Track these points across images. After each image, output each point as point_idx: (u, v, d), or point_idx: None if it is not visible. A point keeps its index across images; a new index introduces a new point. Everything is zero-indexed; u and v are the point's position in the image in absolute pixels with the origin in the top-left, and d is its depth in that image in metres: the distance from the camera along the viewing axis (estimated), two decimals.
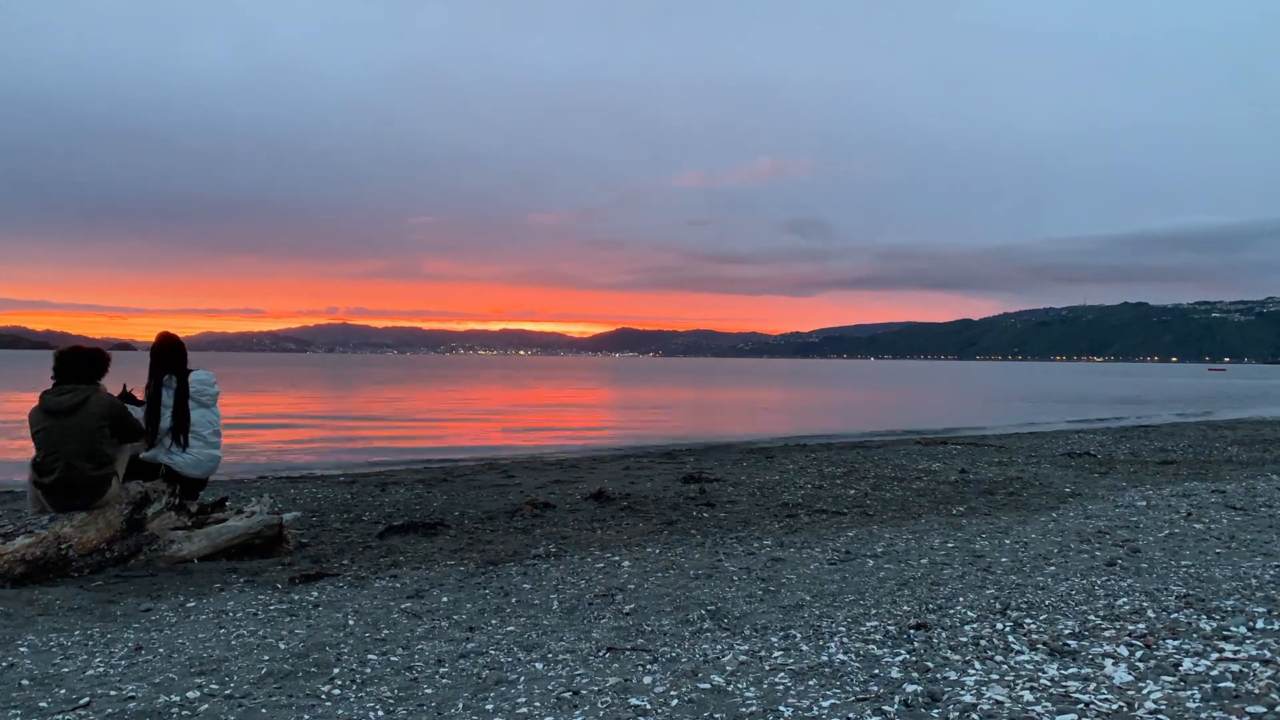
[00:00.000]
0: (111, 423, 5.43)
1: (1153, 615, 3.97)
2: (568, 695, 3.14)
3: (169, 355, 6.03)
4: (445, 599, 4.68)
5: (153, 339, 6.16)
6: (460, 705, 3.10)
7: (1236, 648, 3.46)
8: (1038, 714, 2.84)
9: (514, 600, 4.63)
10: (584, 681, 3.29)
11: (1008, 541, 5.92)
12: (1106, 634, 3.69)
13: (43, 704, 3.17)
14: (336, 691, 3.27)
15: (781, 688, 3.16)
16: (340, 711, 3.07)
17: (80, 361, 5.45)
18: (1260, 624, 3.78)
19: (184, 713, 3.07)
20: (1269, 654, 3.37)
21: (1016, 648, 3.54)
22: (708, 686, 3.19)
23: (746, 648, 3.65)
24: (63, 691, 3.29)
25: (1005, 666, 3.32)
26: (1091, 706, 2.89)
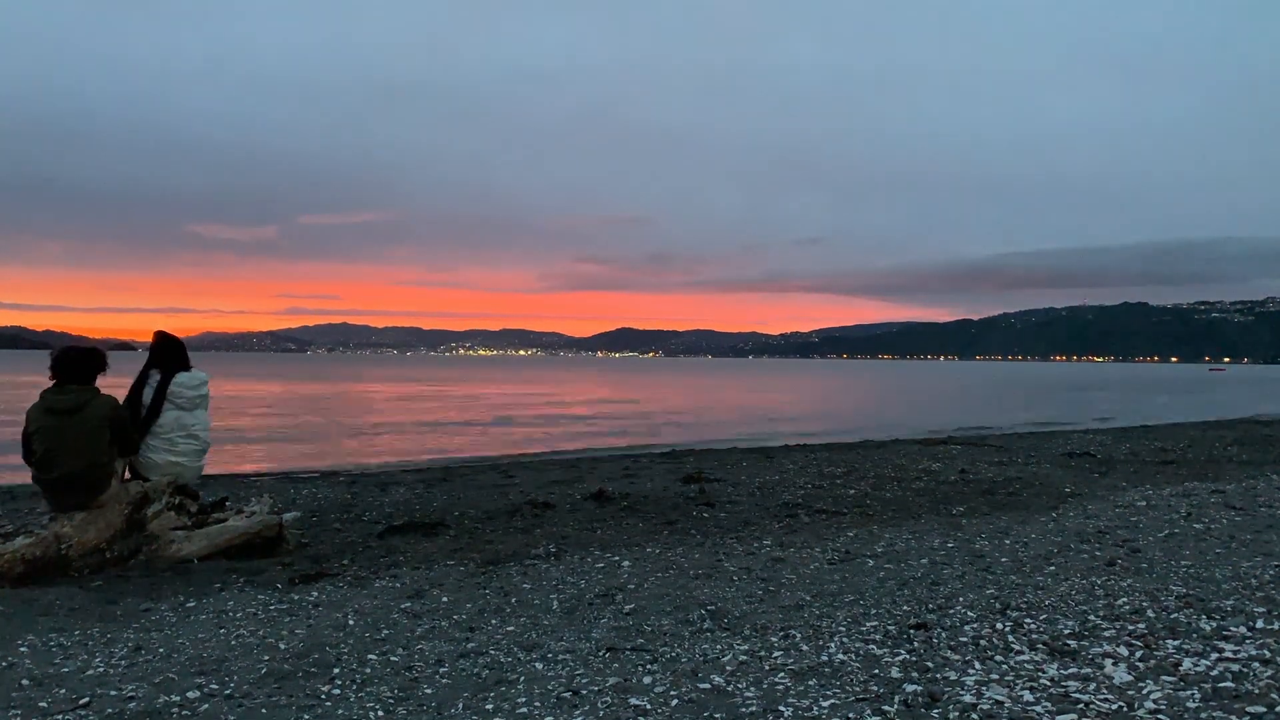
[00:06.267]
0: (112, 428, 5.43)
1: (1153, 615, 3.97)
2: (568, 695, 3.14)
3: (158, 353, 6.09)
4: (445, 599, 4.68)
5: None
6: (460, 705, 3.10)
7: (1236, 648, 3.46)
8: (1038, 714, 2.84)
9: (514, 600, 4.63)
10: (584, 681, 3.29)
11: (1008, 541, 5.92)
12: (1106, 634, 3.69)
13: (43, 704, 3.17)
14: (336, 691, 3.27)
15: (781, 688, 3.16)
16: (340, 711, 3.07)
17: (79, 361, 5.45)
18: (1260, 624, 3.78)
19: (184, 713, 3.07)
20: (1269, 654, 3.37)
21: (1016, 648, 3.54)
22: (708, 686, 3.19)
23: (746, 648, 3.65)
24: (63, 691, 3.29)
25: (1005, 666, 3.32)
26: (1091, 706, 2.89)
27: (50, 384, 5.42)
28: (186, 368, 6.12)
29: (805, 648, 3.63)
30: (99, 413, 5.37)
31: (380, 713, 3.05)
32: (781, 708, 2.96)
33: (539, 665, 3.52)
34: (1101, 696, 2.98)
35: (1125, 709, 2.88)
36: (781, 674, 3.30)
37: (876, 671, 3.30)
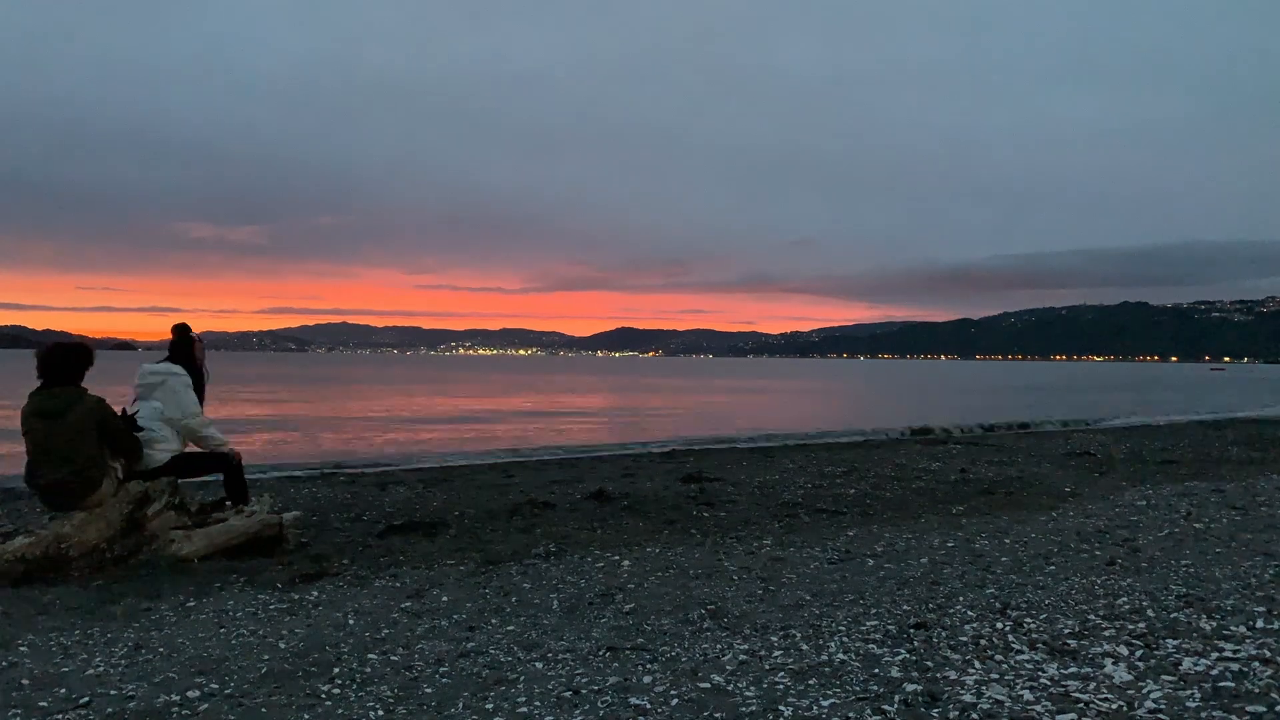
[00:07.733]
0: (101, 430, 5.36)
1: (1153, 615, 3.97)
2: (568, 695, 3.14)
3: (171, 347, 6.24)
4: (445, 599, 4.69)
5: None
6: (460, 705, 3.10)
7: (1236, 648, 3.46)
8: (1038, 713, 2.85)
9: (514, 600, 4.64)
10: (584, 681, 3.29)
11: (1008, 541, 5.92)
12: (1106, 634, 3.70)
13: (43, 704, 3.17)
14: (336, 691, 3.27)
15: (781, 687, 3.16)
16: (340, 711, 3.07)
17: (61, 360, 5.35)
18: (1260, 624, 3.78)
19: (184, 712, 3.07)
20: (1269, 654, 3.37)
21: (1016, 647, 3.54)
22: (708, 686, 3.20)
23: (746, 647, 3.65)
24: (63, 691, 3.30)
25: (1005, 666, 3.32)
26: (1091, 706, 2.90)
27: (39, 383, 5.36)
28: (187, 363, 6.21)
29: (805, 647, 3.63)
30: (85, 415, 5.27)
31: (380, 712, 3.06)
32: (781, 707, 2.96)
33: (539, 665, 3.52)
34: (1101, 696, 2.98)
35: (1125, 709, 2.88)
36: (781, 673, 3.30)
37: (876, 671, 3.30)
